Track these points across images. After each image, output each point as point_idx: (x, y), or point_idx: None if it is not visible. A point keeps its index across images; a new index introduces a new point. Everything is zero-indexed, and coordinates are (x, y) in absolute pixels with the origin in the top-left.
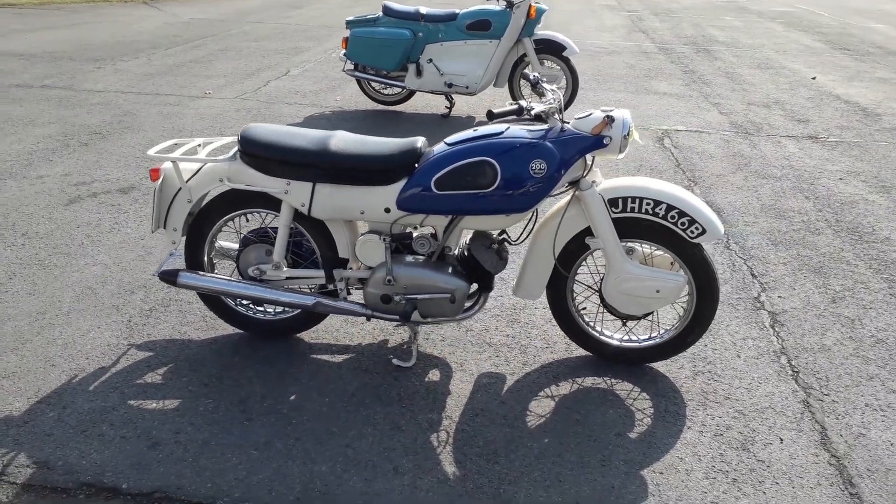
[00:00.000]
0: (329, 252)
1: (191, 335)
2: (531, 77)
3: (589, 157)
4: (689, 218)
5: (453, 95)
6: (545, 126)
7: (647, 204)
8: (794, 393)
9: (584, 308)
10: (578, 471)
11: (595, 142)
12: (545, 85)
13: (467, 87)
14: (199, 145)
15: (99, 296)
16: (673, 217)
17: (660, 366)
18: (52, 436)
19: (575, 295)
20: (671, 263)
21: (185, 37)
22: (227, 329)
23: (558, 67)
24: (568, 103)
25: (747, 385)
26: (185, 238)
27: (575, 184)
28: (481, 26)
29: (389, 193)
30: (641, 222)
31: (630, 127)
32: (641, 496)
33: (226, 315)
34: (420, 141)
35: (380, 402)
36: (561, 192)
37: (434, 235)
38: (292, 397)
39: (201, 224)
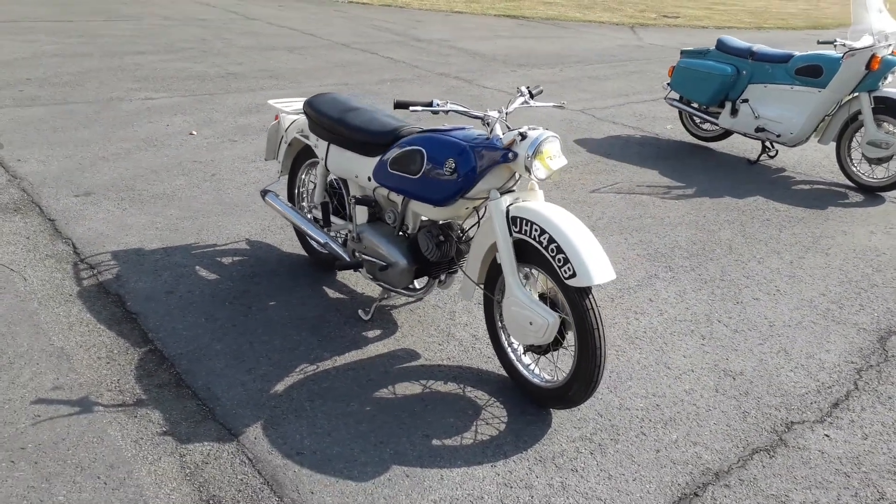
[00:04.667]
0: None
1: (282, 248)
2: (522, 89)
3: (517, 172)
4: (564, 255)
5: (775, 144)
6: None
7: (535, 230)
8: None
9: None
10: (342, 445)
11: (502, 155)
12: (525, 100)
13: (779, 136)
14: None
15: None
16: (552, 250)
17: (582, 407)
18: (148, 284)
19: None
20: None
21: (619, 57)
22: (301, 251)
23: None
24: None
25: (617, 474)
26: (286, 173)
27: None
28: (812, 72)
29: (371, 164)
30: (539, 249)
31: (541, 149)
32: (363, 481)
33: (301, 240)
34: (406, 126)
35: (310, 331)
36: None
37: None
38: (271, 303)
39: (295, 164)
